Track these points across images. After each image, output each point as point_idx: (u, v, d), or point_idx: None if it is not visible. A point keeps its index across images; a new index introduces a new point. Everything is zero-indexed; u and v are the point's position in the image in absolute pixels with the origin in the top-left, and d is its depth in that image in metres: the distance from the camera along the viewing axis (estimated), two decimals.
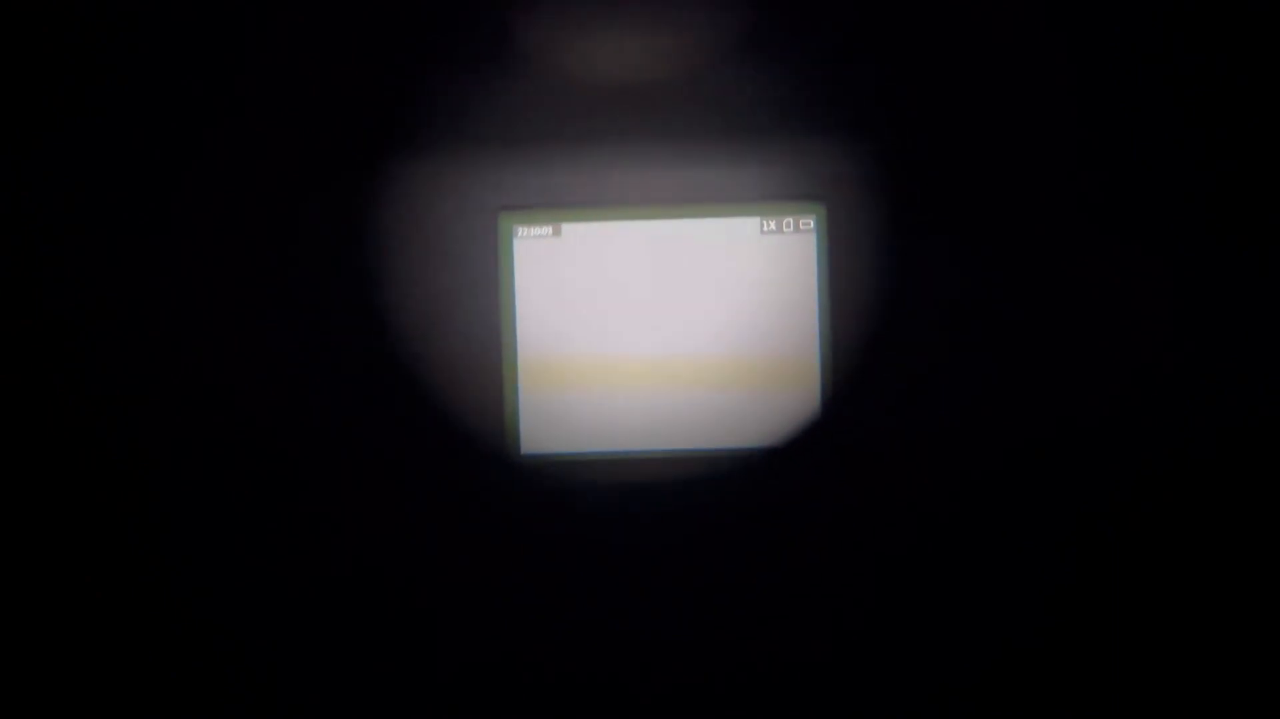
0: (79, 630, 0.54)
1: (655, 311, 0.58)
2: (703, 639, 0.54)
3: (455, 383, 0.58)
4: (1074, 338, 0.53)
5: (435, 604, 0.54)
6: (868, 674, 0.54)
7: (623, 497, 0.56)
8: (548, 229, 0.59)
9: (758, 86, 0.56)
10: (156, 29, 0.53)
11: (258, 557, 0.54)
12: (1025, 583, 0.54)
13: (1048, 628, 0.54)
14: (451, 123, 0.56)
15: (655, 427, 0.58)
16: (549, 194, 0.58)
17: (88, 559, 0.54)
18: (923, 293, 0.54)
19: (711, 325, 0.58)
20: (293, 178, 0.54)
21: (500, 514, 0.55)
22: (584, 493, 0.57)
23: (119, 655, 0.54)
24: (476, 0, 0.54)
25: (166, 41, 0.53)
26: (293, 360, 0.54)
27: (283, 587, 0.54)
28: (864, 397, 0.55)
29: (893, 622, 0.54)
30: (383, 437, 0.55)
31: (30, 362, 0.53)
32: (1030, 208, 0.53)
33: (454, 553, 0.54)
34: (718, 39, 0.55)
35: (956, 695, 0.54)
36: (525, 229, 0.58)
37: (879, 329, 0.56)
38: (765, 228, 0.58)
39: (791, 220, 0.58)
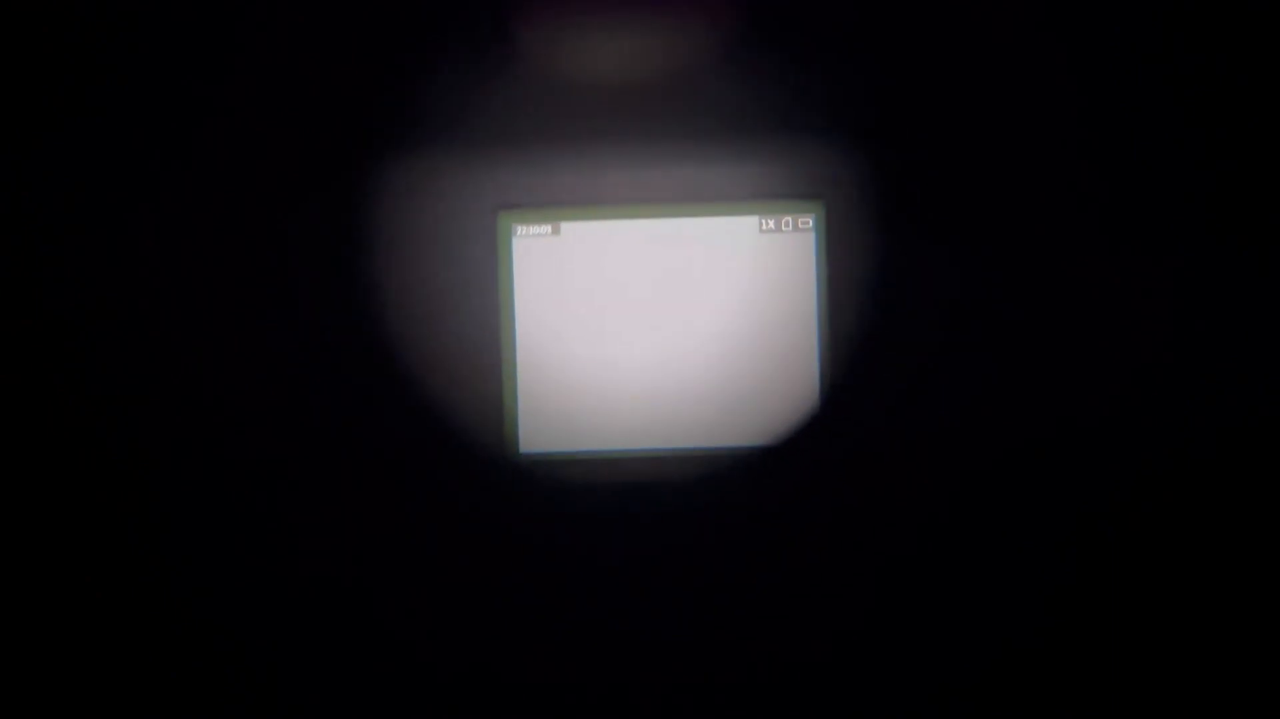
0: (78, 630, 0.54)
1: (654, 310, 0.58)
2: (702, 638, 0.54)
3: (454, 382, 0.58)
4: (1073, 337, 0.53)
5: (434, 604, 0.54)
6: (867, 674, 0.54)
7: (621, 495, 0.56)
8: (546, 228, 0.59)
9: (756, 86, 0.56)
10: (155, 29, 0.53)
11: (256, 556, 0.54)
12: (1025, 582, 0.54)
13: (1048, 628, 0.53)
14: (450, 122, 0.56)
15: (654, 425, 0.58)
16: (548, 193, 0.58)
17: (86, 559, 0.54)
18: (921, 291, 0.54)
19: (710, 324, 0.58)
20: (291, 177, 0.54)
21: (499, 513, 0.55)
22: (582, 492, 0.57)
23: (118, 655, 0.54)
24: (475, 0, 0.54)
25: (165, 41, 0.53)
26: (291, 359, 0.54)
27: (281, 586, 0.54)
28: (862, 395, 0.55)
29: (892, 621, 0.54)
30: (381, 436, 0.55)
31: (28, 361, 0.53)
32: (1029, 207, 0.53)
33: (453, 552, 0.54)
34: (716, 39, 0.55)
35: (956, 695, 0.54)
36: (524, 228, 0.59)
37: (877, 327, 0.55)
38: (764, 226, 0.58)
39: (790, 219, 0.58)
